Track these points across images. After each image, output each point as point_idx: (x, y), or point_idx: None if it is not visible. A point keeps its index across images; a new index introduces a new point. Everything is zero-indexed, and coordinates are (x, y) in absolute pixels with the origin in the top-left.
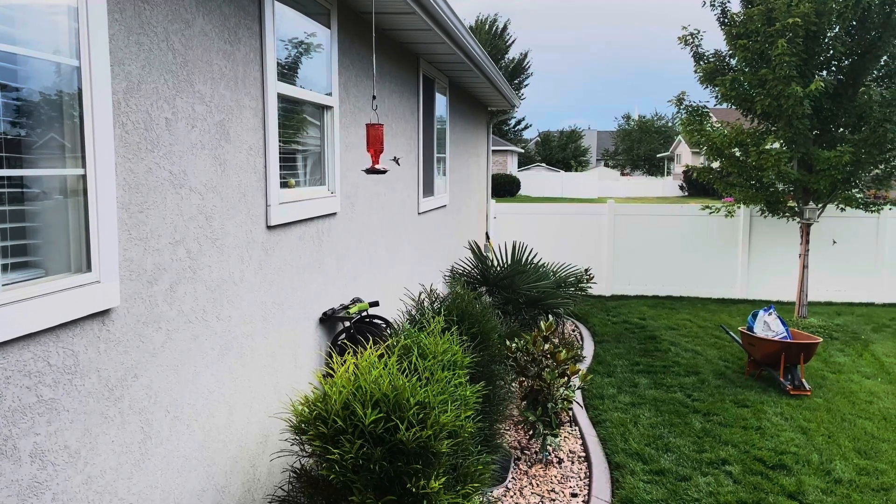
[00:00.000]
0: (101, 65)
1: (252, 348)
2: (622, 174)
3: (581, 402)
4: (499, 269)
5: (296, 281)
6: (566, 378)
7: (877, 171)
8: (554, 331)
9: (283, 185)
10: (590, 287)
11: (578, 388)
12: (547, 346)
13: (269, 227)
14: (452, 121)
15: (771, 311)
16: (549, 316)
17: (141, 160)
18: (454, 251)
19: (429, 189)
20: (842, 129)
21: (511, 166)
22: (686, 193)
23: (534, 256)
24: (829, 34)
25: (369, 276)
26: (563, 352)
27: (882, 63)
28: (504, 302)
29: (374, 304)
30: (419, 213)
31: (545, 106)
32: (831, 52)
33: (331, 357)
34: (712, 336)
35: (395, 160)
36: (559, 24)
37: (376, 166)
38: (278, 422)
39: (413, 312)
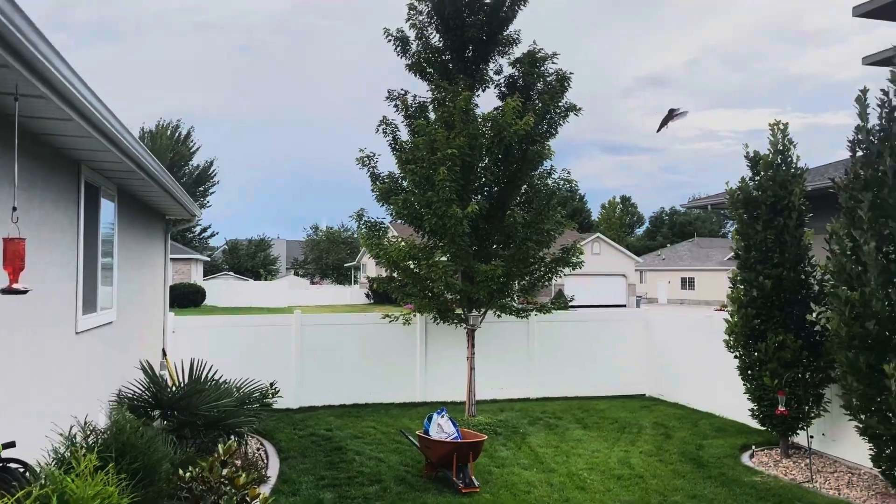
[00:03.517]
0: None
1: None
2: (312, 282)
3: None
4: (175, 389)
5: None
6: None
7: (524, 282)
8: (233, 453)
9: None
10: (275, 402)
11: None
12: (226, 472)
13: None
14: (123, 230)
15: (443, 413)
16: (232, 437)
17: None
18: (123, 373)
19: (91, 305)
20: (495, 246)
21: (196, 275)
22: (372, 301)
23: (215, 373)
24: (481, 165)
25: (7, 412)
26: (243, 475)
27: (523, 191)
28: (180, 426)
29: (10, 444)
30: (77, 333)
31: (233, 214)
32: (484, 179)
33: None
34: (394, 441)
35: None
36: (250, 133)
37: (14, 286)
38: None
39: (63, 451)
